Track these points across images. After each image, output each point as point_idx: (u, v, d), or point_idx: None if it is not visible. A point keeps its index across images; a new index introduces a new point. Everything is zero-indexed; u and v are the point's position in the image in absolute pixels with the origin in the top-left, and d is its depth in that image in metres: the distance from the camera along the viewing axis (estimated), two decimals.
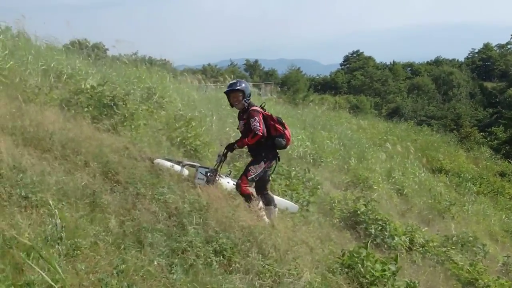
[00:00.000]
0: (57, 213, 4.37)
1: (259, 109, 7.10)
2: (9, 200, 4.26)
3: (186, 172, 7.57)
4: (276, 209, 7.35)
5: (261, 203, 7.13)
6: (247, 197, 6.91)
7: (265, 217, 6.96)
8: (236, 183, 7.10)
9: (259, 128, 6.87)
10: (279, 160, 7.42)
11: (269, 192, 7.32)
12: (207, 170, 7.37)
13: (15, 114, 6.58)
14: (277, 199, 8.15)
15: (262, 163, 7.09)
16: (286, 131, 7.07)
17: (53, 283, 3.42)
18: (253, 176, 7.04)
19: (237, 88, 7.11)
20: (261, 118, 6.98)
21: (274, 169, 6.91)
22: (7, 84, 7.68)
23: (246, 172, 7.07)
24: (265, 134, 6.98)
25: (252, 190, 7.14)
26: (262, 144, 7.06)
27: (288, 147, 7.33)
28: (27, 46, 9.18)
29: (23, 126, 6.13)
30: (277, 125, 7.07)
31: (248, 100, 7.17)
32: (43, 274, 3.43)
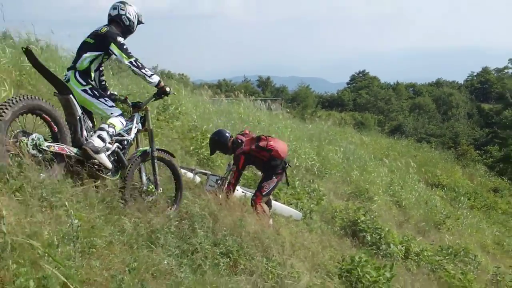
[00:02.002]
0: (72, 213, 4.40)
1: (242, 150, 7.11)
2: (31, 200, 4.28)
3: (198, 179, 7.60)
4: (271, 210, 7.39)
5: (271, 220, 7.10)
6: (261, 214, 6.87)
7: (271, 226, 6.94)
8: (252, 199, 7.09)
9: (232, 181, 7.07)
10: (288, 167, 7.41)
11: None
12: (217, 178, 7.40)
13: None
14: (282, 206, 8.15)
15: (274, 178, 7.09)
16: (273, 150, 6.99)
17: (65, 279, 3.44)
18: (267, 191, 7.04)
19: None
20: (241, 163, 7.04)
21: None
22: (35, 92, 7.73)
23: (260, 188, 7.05)
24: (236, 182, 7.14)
25: (266, 207, 7.12)
26: (269, 164, 7.07)
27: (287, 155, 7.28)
28: (54, 57, 9.25)
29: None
30: (262, 153, 7.04)
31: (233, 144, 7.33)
32: (54, 271, 3.44)
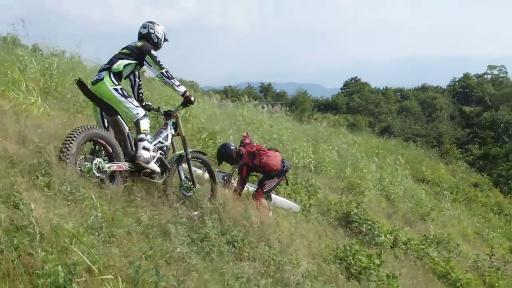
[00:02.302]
0: (98, 205, 4.45)
1: (243, 162, 7.16)
2: (58, 195, 4.33)
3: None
4: (271, 202, 7.43)
5: (271, 213, 7.15)
6: (261, 207, 6.92)
7: (272, 218, 6.98)
8: (253, 194, 7.13)
9: (239, 189, 7.09)
10: (288, 169, 7.43)
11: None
12: (224, 174, 7.44)
13: (66, 123, 6.66)
14: (283, 200, 8.18)
15: (276, 178, 7.13)
16: (266, 166, 7.05)
17: (91, 264, 3.49)
18: (268, 189, 7.08)
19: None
20: (244, 172, 7.13)
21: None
22: (60, 98, 7.79)
23: (262, 185, 7.09)
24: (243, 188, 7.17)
25: (265, 202, 7.16)
26: (267, 173, 7.15)
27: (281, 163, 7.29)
28: (77, 67, 9.30)
29: None
30: (257, 169, 7.14)
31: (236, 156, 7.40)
32: (83, 257, 3.49)
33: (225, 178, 7.34)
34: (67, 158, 4.73)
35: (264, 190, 7.05)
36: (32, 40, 9.41)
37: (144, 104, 6.16)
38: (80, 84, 5.41)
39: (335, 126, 28.19)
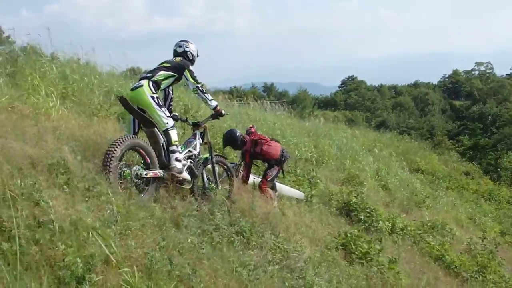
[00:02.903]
0: (114, 201, 4.43)
1: (245, 148, 7.23)
2: (76, 191, 4.31)
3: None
4: (277, 193, 7.47)
5: (276, 202, 7.16)
6: (266, 196, 6.94)
7: (277, 208, 6.97)
8: (258, 184, 7.17)
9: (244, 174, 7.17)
10: (287, 158, 7.40)
11: (275, 182, 7.38)
12: (233, 164, 7.44)
13: (83, 125, 6.65)
14: (288, 188, 8.17)
15: (276, 167, 7.17)
16: (266, 154, 7.13)
17: (109, 254, 3.47)
18: (270, 178, 7.15)
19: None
20: (247, 158, 7.22)
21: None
22: (77, 102, 7.77)
23: (264, 176, 7.21)
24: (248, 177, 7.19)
25: (271, 191, 7.19)
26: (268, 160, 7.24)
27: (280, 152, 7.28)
28: (93, 72, 9.28)
29: (88, 134, 6.18)
30: (258, 156, 7.22)
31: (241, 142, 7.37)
32: (104, 246, 3.48)
33: (234, 167, 7.34)
34: (110, 164, 4.89)
35: (268, 179, 7.15)
36: (51, 49, 9.36)
37: (172, 114, 6.20)
38: (122, 100, 5.57)
39: (334, 122, 28.12)
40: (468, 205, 18.88)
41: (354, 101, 67.33)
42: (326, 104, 67.36)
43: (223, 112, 6.30)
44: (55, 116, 6.59)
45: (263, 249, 5.20)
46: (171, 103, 6.31)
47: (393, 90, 76.76)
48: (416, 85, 78.46)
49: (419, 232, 9.86)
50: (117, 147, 4.99)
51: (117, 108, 8.35)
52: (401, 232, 9.42)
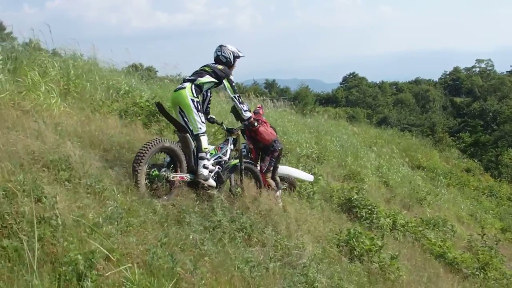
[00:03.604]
0: (118, 197, 4.41)
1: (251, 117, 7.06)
2: (78, 188, 4.29)
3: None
4: (281, 191, 7.38)
5: (278, 192, 7.12)
6: (268, 187, 6.93)
7: (280, 203, 6.93)
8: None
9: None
10: (277, 149, 7.21)
11: (277, 178, 7.26)
12: (245, 144, 7.43)
13: (84, 121, 6.63)
14: (297, 171, 8.16)
15: (266, 157, 7.13)
16: (259, 135, 7.02)
17: (108, 253, 3.44)
18: (265, 169, 7.08)
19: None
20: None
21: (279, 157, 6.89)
22: (79, 98, 7.74)
23: (260, 170, 7.13)
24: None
25: (272, 182, 7.14)
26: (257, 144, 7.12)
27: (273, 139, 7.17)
28: (95, 69, 9.24)
29: (90, 130, 6.17)
30: (251, 133, 7.13)
31: None
32: (100, 247, 3.44)
33: (246, 147, 7.31)
34: (140, 163, 5.12)
35: (263, 171, 7.05)
36: (52, 45, 9.31)
37: (209, 117, 6.43)
38: (158, 105, 5.89)
39: (335, 119, 28.10)
40: (469, 201, 18.88)
41: (355, 97, 67.26)
42: (327, 100, 67.30)
43: (256, 124, 6.47)
44: (56, 112, 6.57)
45: (265, 246, 5.17)
46: (209, 105, 6.43)
47: (394, 87, 76.67)
48: (417, 82, 78.30)
49: (420, 229, 9.84)
50: (149, 149, 5.22)
51: (118, 105, 8.33)
52: (402, 228, 9.39)
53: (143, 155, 5.16)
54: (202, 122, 5.76)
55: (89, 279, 3.15)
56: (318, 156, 13.21)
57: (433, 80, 79.75)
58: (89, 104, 7.68)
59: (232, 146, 6.52)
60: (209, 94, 6.32)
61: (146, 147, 5.23)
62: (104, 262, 3.42)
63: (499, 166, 32.12)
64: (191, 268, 3.81)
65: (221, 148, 6.40)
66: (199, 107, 5.75)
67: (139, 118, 8.08)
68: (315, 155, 13.10)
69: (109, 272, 3.33)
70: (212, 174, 6.01)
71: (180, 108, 5.78)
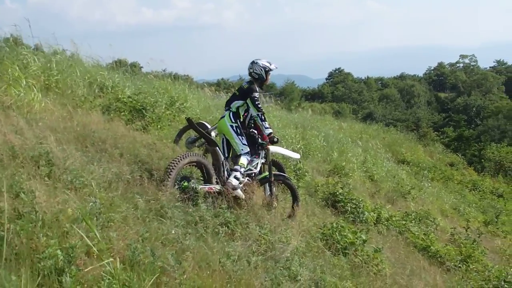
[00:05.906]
0: (98, 193, 4.37)
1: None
2: (59, 183, 4.24)
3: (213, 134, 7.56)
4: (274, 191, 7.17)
5: (275, 203, 6.79)
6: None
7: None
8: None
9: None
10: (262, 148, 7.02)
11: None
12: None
13: (66, 117, 6.57)
14: (283, 150, 8.01)
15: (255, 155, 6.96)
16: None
17: (92, 245, 3.41)
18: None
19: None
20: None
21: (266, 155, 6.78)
22: (60, 94, 7.67)
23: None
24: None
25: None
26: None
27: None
28: (77, 64, 9.14)
29: (72, 126, 6.11)
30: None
31: None
32: (85, 237, 3.42)
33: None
34: (170, 175, 5.43)
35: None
36: (34, 40, 9.22)
37: (250, 130, 6.73)
38: (189, 120, 6.31)
39: (321, 114, 28.18)
40: (452, 195, 19.03)
41: (341, 93, 67.58)
42: (313, 96, 67.49)
43: (276, 139, 6.57)
44: (38, 108, 6.49)
45: (248, 240, 5.16)
46: (251, 121, 6.73)
47: (380, 82, 77.20)
48: (402, 77, 78.93)
49: (404, 222, 9.89)
50: (179, 161, 5.54)
51: (101, 100, 8.26)
52: (386, 222, 9.44)
53: (173, 167, 5.47)
54: (243, 144, 6.26)
55: (68, 274, 3.11)
56: (304, 151, 13.22)
57: (417, 76, 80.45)
58: (71, 100, 7.61)
59: (263, 160, 6.72)
60: (250, 110, 6.53)
61: (176, 160, 5.55)
62: (84, 257, 3.39)
63: (482, 160, 32.43)
64: (173, 263, 3.78)
65: (252, 161, 6.59)
66: (239, 131, 6.29)
67: (122, 114, 8.02)
68: (301, 150, 13.10)
69: (89, 268, 3.30)
70: (241, 185, 6.21)
71: (224, 135, 6.39)
